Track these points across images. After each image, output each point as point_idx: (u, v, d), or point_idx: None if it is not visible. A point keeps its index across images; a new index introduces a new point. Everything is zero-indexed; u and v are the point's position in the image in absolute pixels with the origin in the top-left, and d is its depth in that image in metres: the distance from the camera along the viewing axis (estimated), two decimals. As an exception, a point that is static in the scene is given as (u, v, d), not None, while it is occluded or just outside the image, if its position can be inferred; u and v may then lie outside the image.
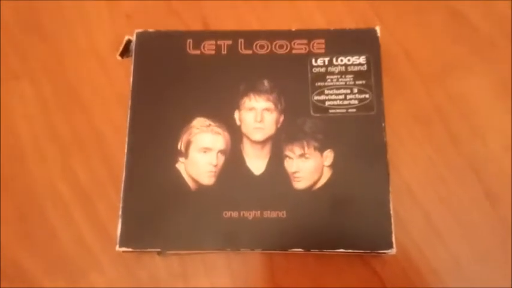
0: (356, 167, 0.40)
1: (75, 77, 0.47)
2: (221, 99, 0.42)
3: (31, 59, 0.47)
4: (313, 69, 0.42)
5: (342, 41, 0.43)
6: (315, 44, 0.43)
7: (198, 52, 0.43)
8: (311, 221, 0.39)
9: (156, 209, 0.39)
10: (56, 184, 0.44)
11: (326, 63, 0.42)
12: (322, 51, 0.43)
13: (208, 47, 0.43)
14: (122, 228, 0.39)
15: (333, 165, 0.40)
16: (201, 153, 0.41)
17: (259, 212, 0.39)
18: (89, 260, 0.42)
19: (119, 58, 0.44)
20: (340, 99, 0.42)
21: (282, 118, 0.41)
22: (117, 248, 0.39)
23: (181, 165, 0.40)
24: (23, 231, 0.43)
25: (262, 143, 0.41)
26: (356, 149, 0.40)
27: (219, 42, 0.43)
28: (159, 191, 0.40)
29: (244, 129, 0.41)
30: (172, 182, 0.40)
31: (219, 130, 0.41)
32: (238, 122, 0.41)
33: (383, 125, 0.41)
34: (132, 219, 0.39)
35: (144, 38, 0.44)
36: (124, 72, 0.46)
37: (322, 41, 0.43)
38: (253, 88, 0.42)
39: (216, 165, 0.40)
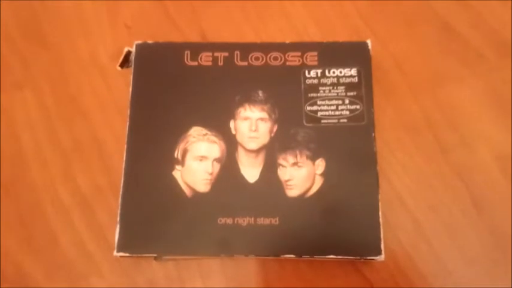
0: (347, 175, 0.41)
1: (76, 86, 0.48)
2: (217, 109, 0.43)
3: (33, 69, 0.49)
4: (306, 81, 0.44)
5: (334, 53, 0.44)
6: (308, 57, 0.44)
7: (195, 63, 0.44)
8: (303, 228, 0.40)
9: (153, 215, 0.41)
10: (57, 190, 0.45)
11: (319, 75, 0.44)
12: (315, 63, 0.44)
13: (205, 59, 0.45)
14: (119, 234, 0.40)
15: (324, 174, 0.41)
16: (197, 161, 0.42)
17: (252, 218, 0.40)
18: (88, 264, 0.43)
19: (119, 69, 0.46)
20: (332, 110, 0.43)
21: (275, 128, 0.43)
22: (115, 253, 0.40)
23: (177, 173, 0.42)
24: (24, 236, 0.44)
25: (257, 151, 0.42)
26: (347, 158, 0.42)
27: (215, 54, 0.45)
28: (156, 198, 0.41)
29: (239, 138, 0.43)
30: (169, 189, 0.41)
31: (215, 139, 0.42)
32: (233, 131, 0.43)
33: (373, 134, 0.42)
34: (130, 225, 0.41)
35: (143, 49, 0.45)
36: (124, 82, 0.47)
37: (315, 53, 0.44)
38: (248, 98, 0.43)
39: (211, 173, 0.42)
